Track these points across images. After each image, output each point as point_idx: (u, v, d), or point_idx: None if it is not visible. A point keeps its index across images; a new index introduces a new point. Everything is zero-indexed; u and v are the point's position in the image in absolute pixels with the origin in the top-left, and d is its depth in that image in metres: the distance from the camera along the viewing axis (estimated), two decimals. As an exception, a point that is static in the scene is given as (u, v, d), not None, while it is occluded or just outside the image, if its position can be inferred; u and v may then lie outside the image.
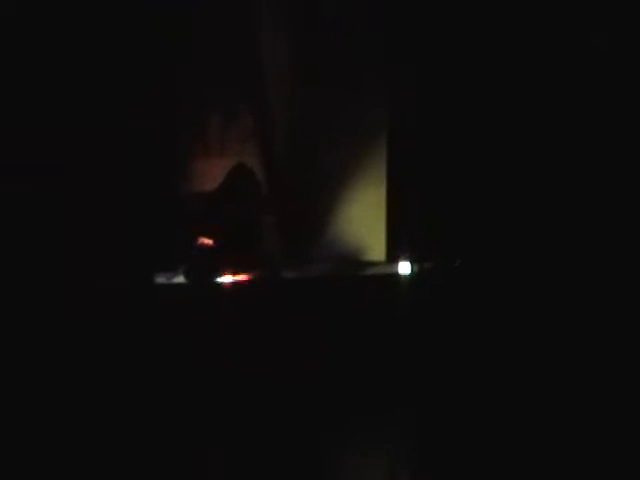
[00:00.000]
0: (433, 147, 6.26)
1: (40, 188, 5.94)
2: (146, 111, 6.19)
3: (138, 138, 6.16)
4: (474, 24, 6.33)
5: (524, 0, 6.32)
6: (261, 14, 6.55)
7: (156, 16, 6.24)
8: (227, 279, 6.19)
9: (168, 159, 6.36)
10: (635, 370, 5.71)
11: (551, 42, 6.32)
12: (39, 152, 5.94)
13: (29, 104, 5.96)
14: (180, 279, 6.18)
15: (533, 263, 6.06)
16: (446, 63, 6.36)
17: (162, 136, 6.32)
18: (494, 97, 6.29)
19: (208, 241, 6.27)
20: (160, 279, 6.16)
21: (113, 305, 5.85)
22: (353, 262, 6.45)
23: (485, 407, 5.43)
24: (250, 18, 6.55)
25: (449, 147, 6.23)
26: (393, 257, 6.38)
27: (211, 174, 6.39)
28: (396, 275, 6.25)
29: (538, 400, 5.45)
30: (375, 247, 6.46)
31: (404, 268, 6.25)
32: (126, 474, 4.83)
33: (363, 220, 6.48)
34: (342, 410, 5.53)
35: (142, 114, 6.17)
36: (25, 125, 5.95)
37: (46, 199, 5.96)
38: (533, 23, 6.32)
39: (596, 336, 5.84)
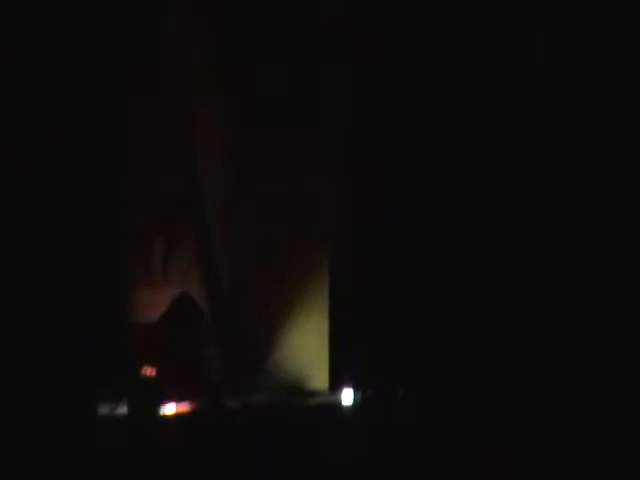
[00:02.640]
0: (373, 279, 6.36)
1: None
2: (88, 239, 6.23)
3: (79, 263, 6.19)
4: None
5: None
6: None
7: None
8: (170, 409, 6.16)
9: (111, 287, 6.37)
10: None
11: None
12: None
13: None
14: (123, 410, 6.13)
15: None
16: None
17: (104, 263, 6.34)
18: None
19: (151, 371, 6.24)
20: (102, 410, 6.12)
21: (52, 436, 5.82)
22: (296, 391, 6.44)
23: None
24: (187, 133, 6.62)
25: (388, 280, 6.35)
26: (336, 385, 6.41)
27: (154, 303, 6.39)
28: (339, 404, 6.29)
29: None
30: (318, 376, 6.47)
31: (347, 396, 6.29)
32: None
33: (306, 348, 6.47)
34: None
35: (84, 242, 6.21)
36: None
37: None
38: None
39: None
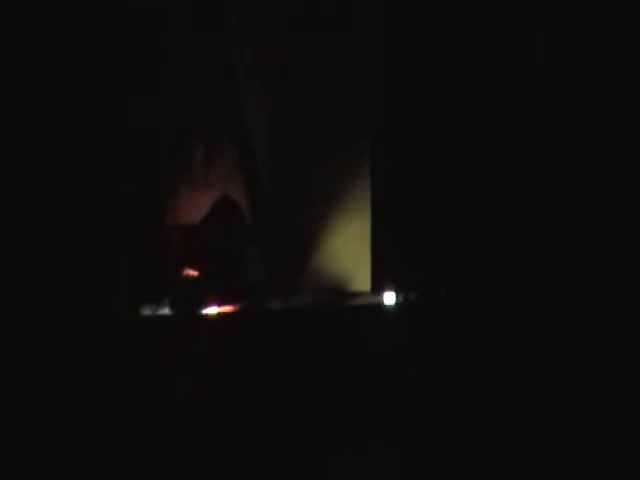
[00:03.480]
0: (415, 181, 6.33)
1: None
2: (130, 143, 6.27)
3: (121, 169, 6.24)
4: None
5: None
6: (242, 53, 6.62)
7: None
8: (212, 310, 6.20)
9: (153, 190, 6.40)
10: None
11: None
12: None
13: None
14: (166, 311, 6.20)
15: (517, 291, 6.14)
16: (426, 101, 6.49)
17: (146, 166, 6.38)
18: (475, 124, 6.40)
19: (193, 272, 6.28)
20: (146, 311, 6.17)
21: (97, 335, 5.89)
22: (338, 293, 6.43)
23: (477, 439, 5.52)
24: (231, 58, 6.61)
25: (429, 182, 6.31)
26: (378, 287, 6.41)
27: (196, 206, 6.42)
28: (381, 305, 6.30)
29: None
30: (360, 278, 6.47)
31: (389, 298, 6.30)
32: None
33: (348, 251, 6.45)
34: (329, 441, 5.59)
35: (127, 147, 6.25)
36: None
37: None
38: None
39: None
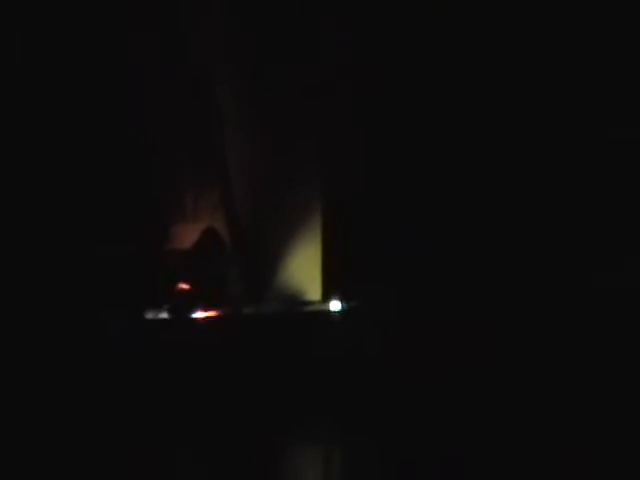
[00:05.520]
0: (353, 220, 8.05)
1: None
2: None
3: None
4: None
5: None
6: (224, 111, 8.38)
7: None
8: (200, 315, 8.02)
9: (155, 223, 8.23)
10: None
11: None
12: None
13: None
14: (164, 315, 8.01)
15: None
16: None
17: (150, 205, 8.22)
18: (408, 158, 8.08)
19: (186, 286, 8.10)
20: (149, 315, 7.98)
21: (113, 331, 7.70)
22: (296, 301, 8.18)
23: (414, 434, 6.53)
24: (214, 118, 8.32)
25: (363, 223, 8.02)
26: (326, 297, 8.10)
27: (188, 235, 8.22)
28: (329, 310, 8.00)
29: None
30: (313, 289, 8.18)
31: (335, 305, 8.04)
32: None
33: (303, 270, 8.18)
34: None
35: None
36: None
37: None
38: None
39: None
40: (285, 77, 8.20)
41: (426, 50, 8.01)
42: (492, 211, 7.89)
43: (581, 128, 7.71)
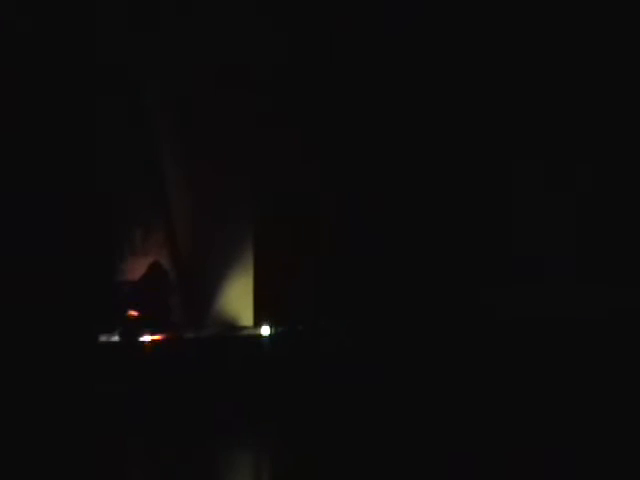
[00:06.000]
0: (279, 258, 9.33)
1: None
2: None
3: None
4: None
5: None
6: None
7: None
8: (147, 338, 9.16)
9: (108, 257, 9.39)
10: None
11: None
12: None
13: None
14: (116, 338, 9.15)
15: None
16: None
17: (104, 243, 9.39)
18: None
19: (134, 313, 9.24)
20: (102, 338, 9.11)
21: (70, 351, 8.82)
22: (231, 326, 9.40)
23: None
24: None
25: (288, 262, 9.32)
26: (257, 323, 9.32)
27: (137, 268, 9.42)
28: (260, 334, 9.19)
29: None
30: (245, 316, 9.41)
31: (265, 330, 9.23)
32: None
33: (237, 299, 9.43)
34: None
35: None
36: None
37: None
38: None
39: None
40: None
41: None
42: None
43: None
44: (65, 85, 9.10)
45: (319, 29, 9.24)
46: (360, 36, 9.17)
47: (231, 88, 9.20)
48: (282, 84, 9.17)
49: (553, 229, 8.84)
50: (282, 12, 9.20)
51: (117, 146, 9.40)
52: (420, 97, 9.12)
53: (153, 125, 9.51)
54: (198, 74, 9.29)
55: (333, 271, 9.25)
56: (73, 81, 9.13)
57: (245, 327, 9.33)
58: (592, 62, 8.71)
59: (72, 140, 9.10)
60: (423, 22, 9.00)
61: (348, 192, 9.28)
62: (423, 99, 9.12)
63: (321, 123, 9.25)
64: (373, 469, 6.76)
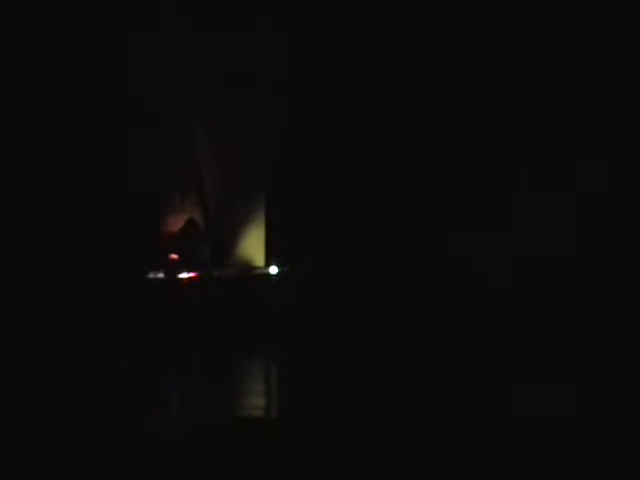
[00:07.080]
0: (288, 214, 12.14)
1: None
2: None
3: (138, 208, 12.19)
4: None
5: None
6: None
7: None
8: (184, 276, 12.07)
9: (156, 214, 12.33)
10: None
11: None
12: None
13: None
14: (160, 275, 12.16)
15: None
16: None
17: (152, 204, 12.33)
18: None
19: (175, 256, 12.16)
20: (150, 275, 12.11)
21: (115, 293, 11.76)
22: (247, 266, 12.35)
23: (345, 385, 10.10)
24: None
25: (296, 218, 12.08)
26: (268, 264, 12.22)
27: (176, 223, 12.38)
28: (269, 274, 12.12)
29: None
30: (259, 259, 12.33)
31: (274, 270, 12.10)
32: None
33: (252, 245, 12.36)
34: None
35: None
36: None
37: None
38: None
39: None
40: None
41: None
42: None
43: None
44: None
45: (319, 29, 11.52)
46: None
47: (244, 86, 12.07)
48: (283, 84, 11.82)
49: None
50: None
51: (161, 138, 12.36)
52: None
53: (188, 120, 12.38)
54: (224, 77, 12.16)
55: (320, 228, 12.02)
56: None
57: (258, 267, 12.27)
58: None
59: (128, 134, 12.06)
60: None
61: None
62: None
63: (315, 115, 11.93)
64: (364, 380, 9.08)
